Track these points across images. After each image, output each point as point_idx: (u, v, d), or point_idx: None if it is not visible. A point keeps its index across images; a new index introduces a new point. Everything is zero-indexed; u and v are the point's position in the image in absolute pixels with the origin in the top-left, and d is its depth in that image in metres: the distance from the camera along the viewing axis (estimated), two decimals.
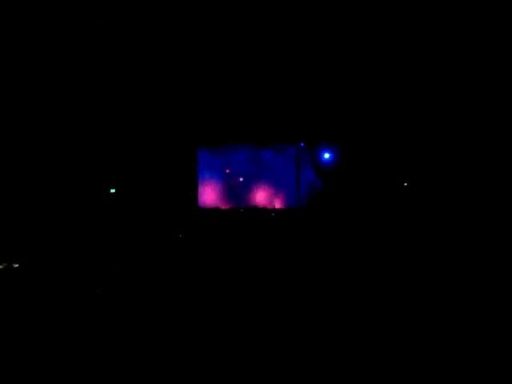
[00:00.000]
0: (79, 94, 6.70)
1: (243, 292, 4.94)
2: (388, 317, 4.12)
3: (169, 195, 7.04)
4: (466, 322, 3.91)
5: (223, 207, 7.18)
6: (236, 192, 7.16)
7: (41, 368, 3.29)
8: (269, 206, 7.08)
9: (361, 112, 6.72)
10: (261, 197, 7.11)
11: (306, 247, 6.38)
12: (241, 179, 7.14)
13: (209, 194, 7.22)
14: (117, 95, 6.80)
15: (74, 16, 6.22)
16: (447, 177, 6.42)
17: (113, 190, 6.90)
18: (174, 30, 6.39)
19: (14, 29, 6.16)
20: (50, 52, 6.40)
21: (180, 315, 4.28)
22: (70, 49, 6.45)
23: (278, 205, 7.07)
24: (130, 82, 6.78)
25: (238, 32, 6.34)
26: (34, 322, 4.08)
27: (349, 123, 6.78)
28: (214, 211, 7.14)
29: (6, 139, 6.45)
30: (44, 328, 3.96)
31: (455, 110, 6.34)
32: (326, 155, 6.93)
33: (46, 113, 6.62)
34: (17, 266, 5.59)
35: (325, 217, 6.76)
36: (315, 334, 3.81)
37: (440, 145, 6.47)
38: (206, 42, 6.50)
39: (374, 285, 5.02)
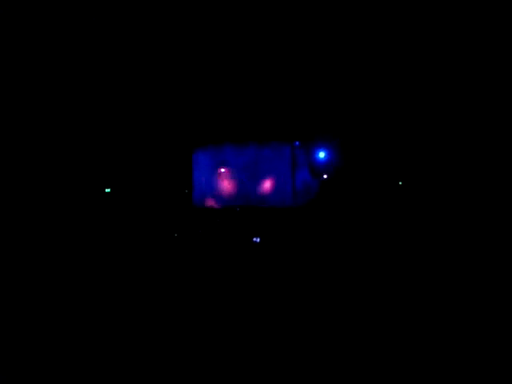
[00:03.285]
0: (75, 95, 6.71)
1: (239, 292, 4.93)
2: (385, 316, 4.10)
3: (163, 194, 7.05)
4: (464, 322, 3.89)
5: (218, 207, 7.16)
6: (231, 191, 7.15)
7: (39, 368, 3.28)
8: (264, 206, 7.06)
9: (357, 110, 6.69)
10: (256, 196, 7.09)
11: (302, 246, 6.37)
12: (236, 179, 7.12)
13: (203, 194, 7.22)
14: (112, 95, 6.81)
15: (70, 14, 6.22)
16: (457, 177, 6.29)
17: (108, 190, 6.91)
18: (170, 32, 6.39)
19: (11, 28, 6.16)
20: (47, 51, 6.41)
21: (176, 315, 4.26)
22: (66, 48, 6.45)
23: (273, 204, 7.05)
24: (127, 81, 6.79)
25: (229, 34, 6.35)
26: (30, 322, 4.07)
27: (345, 121, 6.75)
28: (209, 211, 7.14)
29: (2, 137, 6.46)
30: (40, 328, 3.95)
31: (459, 106, 6.27)
32: (322, 154, 6.89)
33: (43, 112, 6.63)
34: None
35: (321, 216, 6.74)
36: (314, 333, 3.79)
37: (443, 144, 6.40)
38: (202, 45, 6.51)
39: (372, 284, 5.00)
